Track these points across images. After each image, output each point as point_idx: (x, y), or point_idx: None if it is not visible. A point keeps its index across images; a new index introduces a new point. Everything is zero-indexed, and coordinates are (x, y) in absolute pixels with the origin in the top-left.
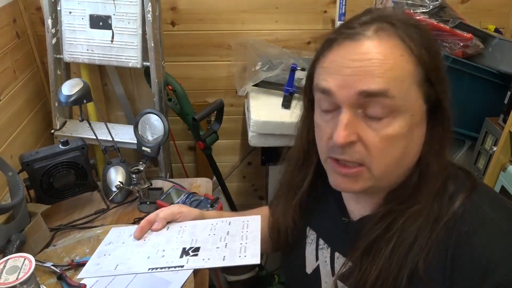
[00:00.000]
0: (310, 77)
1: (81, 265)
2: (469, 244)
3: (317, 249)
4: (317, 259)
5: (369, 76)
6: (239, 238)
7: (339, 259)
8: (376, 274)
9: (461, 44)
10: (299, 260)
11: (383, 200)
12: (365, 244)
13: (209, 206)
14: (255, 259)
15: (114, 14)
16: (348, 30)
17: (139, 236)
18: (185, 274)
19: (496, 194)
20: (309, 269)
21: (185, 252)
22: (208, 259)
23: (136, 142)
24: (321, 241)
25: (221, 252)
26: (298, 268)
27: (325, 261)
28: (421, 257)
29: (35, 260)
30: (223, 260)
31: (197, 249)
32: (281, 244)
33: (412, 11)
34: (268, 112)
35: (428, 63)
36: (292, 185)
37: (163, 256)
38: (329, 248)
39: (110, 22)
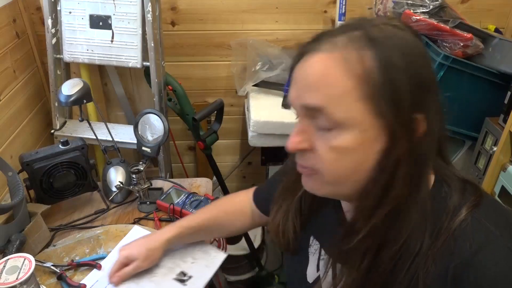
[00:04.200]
0: None
1: (81, 265)
2: (471, 265)
3: (319, 259)
4: (318, 269)
5: (308, 92)
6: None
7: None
8: (355, 285)
9: (461, 44)
10: (301, 269)
11: (359, 207)
12: (341, 248)
13: None
14: None
15: (114, 14)
16: (309, 45)
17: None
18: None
19: (503, 210)
20: (310, 279)
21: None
22: None
23: (136, 142)
24: (323, 252)
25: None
26: (299, 276)
27: (325, 272)
28: (420, 277)
29: (35, 260)
30: None
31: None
32: (284, 246)
33: (412, 11)
34: (268, 112)
35: (376, 81)
36: (290, 188)
37: None
38: (330, 259)
39: (110, 22)
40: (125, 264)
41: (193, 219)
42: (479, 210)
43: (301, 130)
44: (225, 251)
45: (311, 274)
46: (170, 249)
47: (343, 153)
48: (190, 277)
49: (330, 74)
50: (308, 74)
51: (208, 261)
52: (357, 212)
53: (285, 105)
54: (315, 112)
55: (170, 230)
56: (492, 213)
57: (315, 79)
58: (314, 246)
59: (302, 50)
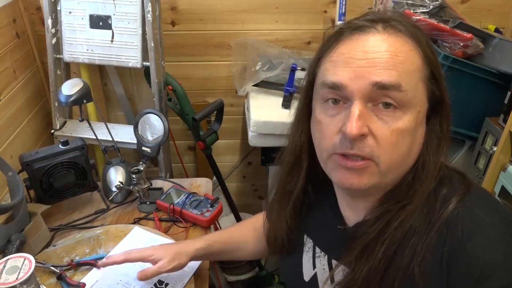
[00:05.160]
0: (313, 75)
1: (81, 264)
2: (464, 250)
3: (314, 257)
4: (314, 267)
5: (382, 68)
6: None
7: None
8: (365, 275)
9: (461, 44)
10: (297, 268)
11: (378, 202)
12: (360, 247)
13: (209, 206)
14: None
15: (114, 14)
16: (357, 22)
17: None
18: (186, 276)
19: (491, 197)
20: (306, 277)
21: None
22: None
23: (136, 142)
24: (317, 249)
25: None
26: (296, 275)
27: (323, 269)
28: (416, 263)
29: (35, 260)
30: None
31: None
32: (278, 248)
33: (412, 11)
34: (268, 112)
35: (432, 61)
36: (284, 190)
37: None
38: (326, 256)
39: (110, 22)
40: (145, 259)
41: (221, 234)
42: (469, 199)
43: (361, 114)
44: None
45: (307, 271)
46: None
47: (402, 135)
48: (166, 284)
49: (401, 52)
50: (375, 52)
51: (185, 266)
52: (371, 210)
53: (285, 105)
54: (385, 91)
55: (199, 241)
56: (481, 201)
57: (388, 57)
58: (307, 244)
59: (345, 30)
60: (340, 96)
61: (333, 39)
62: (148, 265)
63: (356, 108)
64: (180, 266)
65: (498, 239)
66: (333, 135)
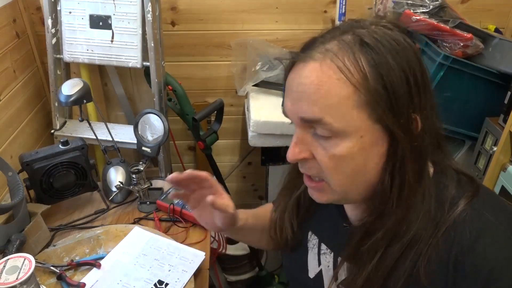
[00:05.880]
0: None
1: (81, 264)
2: (471, 251)
3: (319, 254)
4: (319, 264)
5: (306, 104)
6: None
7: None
8: (362, 282)
9: (461, 44)
10: (301, 264)
11: (368, 207)
12: (353, 251)
13: None
14: None
15: (114, 14)
16: (302, 53)
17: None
18: (186, 276)
19: (499, 200)
20: (311, 274)
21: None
22: None
23: (136, 142)
24: (323, 246)
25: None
26: (300, 272)
27: (328, 266)
28: (421, 264)
29: (35, 260)
30: None
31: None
32: (282, 243)
33: (412, 11)
34: (268, 112)
35: (371, 87)
36: (290, 187)
37: None
38: (332, 253)
39: (110, 22)
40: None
41: (250, 213)
42: (478, 201)
43: (300, 140)
44: (225, 251)
45: (312, 268)
46: (148, 256)
47: (344, 160)
48: (166, 284)
49: (325, 84)
50: (303, 84)
51: (185, 266)
52: (369, 213)
53: None
54: (312, 123)
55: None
56: (490, 203)
57: (311, 91)
58: (312, 241)
59: (294, 59)
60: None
61: (288, 64)
62: (142, 264)
63: (295, 135)
64: (235, 220)
65: (506, 241)
66: None
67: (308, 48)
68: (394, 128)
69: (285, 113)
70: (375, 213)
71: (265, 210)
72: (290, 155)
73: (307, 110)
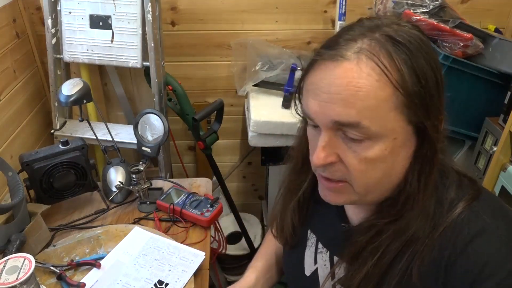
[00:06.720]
0: (300, 93)
1: (81, 264)
2: (464, 253)
3: (316, 252)
4: (315, 262)
5: (341, 106)
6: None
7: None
8: (359, 280)
9: (461, 44)
10: (298, 262)
11: (377, 208)
12: (355, 250)
13: (209, 206)
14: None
15: (114, 14)
16: (329, 51)
17: None
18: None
19: (501, 205)
20: (307, 272)
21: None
22: None
23: (136, 142)
24: (320, 245)
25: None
26: (297, 269)
27: (324, 265)
28: (415, 263)
29: (35, 260)
30: None
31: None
32: (282, 240)
33: (412, 11)
34: (268, 112)
35: (409, 87)
36: (291, 187)
37: None
38: (328, 252)
39: (110, 22)
40: None
41: (261, 260)
42: (477, 204)
43: (327, 144)
44: (225, 251)
45: (308, 267)
46: (148, 256)
47: (374, 163)
48: (166, 284)
49: (363, 85)
50: (336, 85)
51: (185, 266)
52: (377, 214)
53: (285, 105)
54: (347, 127)
55: (249, 276)
56: (490, 207)
57: (347, 92)
58: (311, 240)
59: (318, 57)
60: (315, 123)
61: (309, 64)
62: (142, 264)
63: (322, 139)
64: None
65: (501, 243)
66: (313, 153)
67: (334, 47)
68: (428, 129)
69: (306, 114)
70: (388, 215)
71: (270, 248)
72: (318, 161)
73: (342, 113)
